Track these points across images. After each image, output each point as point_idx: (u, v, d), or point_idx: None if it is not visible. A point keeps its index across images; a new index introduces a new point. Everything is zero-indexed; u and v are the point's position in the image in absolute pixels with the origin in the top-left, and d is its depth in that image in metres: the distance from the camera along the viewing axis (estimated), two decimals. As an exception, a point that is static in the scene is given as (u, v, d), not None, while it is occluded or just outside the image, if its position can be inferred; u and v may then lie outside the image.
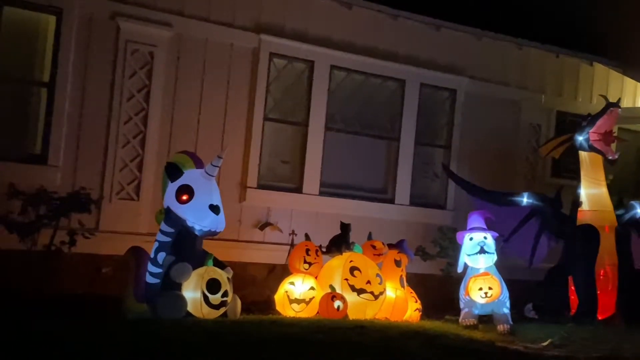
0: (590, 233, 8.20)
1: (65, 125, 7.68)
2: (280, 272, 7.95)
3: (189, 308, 6.30)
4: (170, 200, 6.45)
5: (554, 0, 10.68)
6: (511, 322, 7.33)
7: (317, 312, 7.08)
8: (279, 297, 7.20)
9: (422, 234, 9.11)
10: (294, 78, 8.99)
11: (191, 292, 6.32)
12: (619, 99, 8.84)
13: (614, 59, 10.95)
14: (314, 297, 7.10)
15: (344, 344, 5.61)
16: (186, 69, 8.27)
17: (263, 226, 8.54)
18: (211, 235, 6.55)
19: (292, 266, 7.33)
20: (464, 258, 7.60)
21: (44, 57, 7.78)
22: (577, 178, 8.57)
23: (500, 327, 7.17)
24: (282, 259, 8.15)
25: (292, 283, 7.17)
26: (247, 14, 8.62)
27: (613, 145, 8.50)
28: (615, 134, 8.61)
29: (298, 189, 8.87)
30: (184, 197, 6.39)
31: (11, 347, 4.65)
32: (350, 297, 7.06)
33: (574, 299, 8.20)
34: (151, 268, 6.35)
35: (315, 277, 7.25)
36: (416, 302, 7.61)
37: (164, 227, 6.43)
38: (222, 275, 6.47)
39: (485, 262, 7.54)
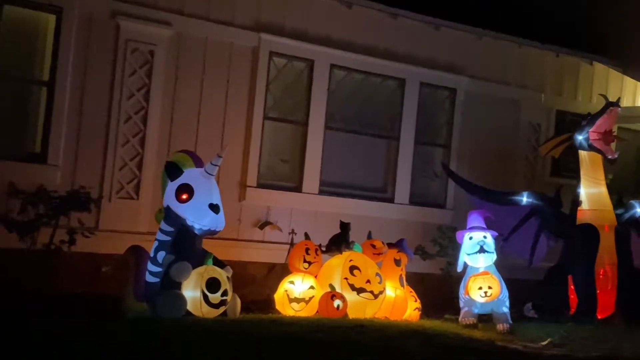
0: (590, 232, 8.20)
1: (65, 124, 7.67)
2: (280, 271, 7.96)
3: (189, 307, 6.30)
4: (170, 199, 6.45)
5: (554, -1, 10.71)
6: (511, 322, 7.33)
7: (317, 311, 7.08)
8: (278, 296, 7.21)
9: (421, 233, 9.12)
10: (293, 77, 8.99)
11: (191, 291, 6.32)
12: (619, 98, 8.85)
13: (613, 58, 10.95)
14: (313, 296, 7.10)
15: (344, 343, 5.62)
16: (186, 68, 8.27)
17: (263, 225, 8.55)
18: (211, 234, 6.55)
19: (291, 265, 7.33)
20: (464, 257, 7.60)
21: (43, 56, 7.78)
22: (576, 177, 8.57)
23: (500, 326, 7.17)
24: (281, 258, 8.15)
25: (291, 282, 7.17)
26: (247, 13, 8.61)
27: (613, 145, 8.52)
28: (614, 133, 8.62)
29: (298, 188, 8.87)
30: (184, 196, 6.39)
31: (11, 346, 4.64)
32: (350, 296, 7.07)
33: (573, 298, 8.20)
34: (151, 267, 6.35)
35: (315, 276, 7.25)
36: (416, 301, 7.61)
37: (163, 226, 6.43)
38: (222, 274, 6.47)
39: (485, 262, 7.54)
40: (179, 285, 6.32)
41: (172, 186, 6.46)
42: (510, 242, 8.33)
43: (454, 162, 9.71)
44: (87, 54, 7.79)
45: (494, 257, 7.58)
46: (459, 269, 7.69)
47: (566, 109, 10.63)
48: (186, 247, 6.43)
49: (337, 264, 7.26)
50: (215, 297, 6.35)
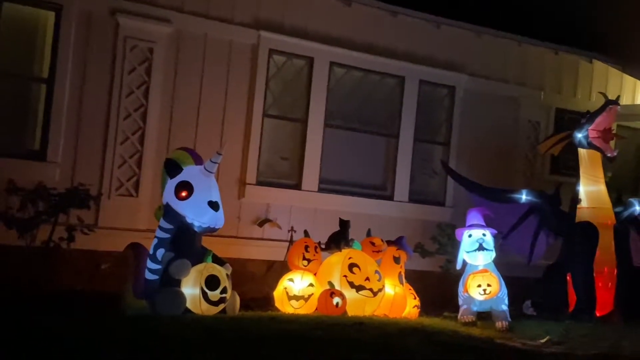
0: (589, 230, 8.20)
1: (64, 121, 7.67)
2: (279, 268, 7.96)
3: (188, 304, 6.30)
4: (169, 197, 6.45)
5: (553, -3, 10.70)
6: (510, 319, 7.34)
7: (316, 309, 7.08)
8: (277, 293, 7.21)
9: (421, 230, 9.12)
10: (293, 74, 8.99)
11: (190, 289, 6.32)
12: (618, 96, 8.85)
13: (613, 57, 10.95)
14: (312, 294, 7.11)
15: (343, 340, 5.62)
16: (185, 65, 8.26)
17: (262, 223, 8.55)
18: (210, 231, 6.55)
19: (291, 263, 7.33)
20: (463, 255, 7.61)
21: (43, 53, 7.78)
22: (575, 175, 8.57)
23: (499, 324, 7.18)
24: (281, 255, 8.15)
25: (291, 279, 7.17)
26: (247, 10, 8.61)
27: (612, 143, 8.52)
28: (614, 131, 8.62)
29: (297, 186, 8.88)
30: (183, 194, 6.39)
31: (10, 343, 4.64)
32: (349, 293, 7.07)
33: (572, 296, 8.21)
34: (150, 264, 6.35)
35: (314, 274, 7.26)
36: (415, 298, 7.61)
37: (163, 223, 6.43)
38: (221, 272, 6.47)
39: (484, 259, 7.55)
40: (178, 283, 6.32)
41: (171, 184, 6.46)
42: (510, 240, 8.33)
43: (453, 159, 9.71)
44: (86, 51, 7.79)
45: (493, 254, 7.59)
46: (458, 266, 7.70)
47: (565, 107, 10.63)
48: (185, 244, 6.43)
49: (336, 261, 7.27)
50: (214, 295, 6.35)
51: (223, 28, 8.44)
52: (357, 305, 7.09)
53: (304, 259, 7.21)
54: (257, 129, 8.61)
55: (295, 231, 8.40)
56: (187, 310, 6.30)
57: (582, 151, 8.44)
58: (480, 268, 7.51)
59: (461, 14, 9.88)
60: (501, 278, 7.51)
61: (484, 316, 7.51)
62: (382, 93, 9.51)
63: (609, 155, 8.32)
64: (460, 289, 7.59)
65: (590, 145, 8.32)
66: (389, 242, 7.61)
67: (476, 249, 7.51)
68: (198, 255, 6.51)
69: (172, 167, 6.50)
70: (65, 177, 7.59)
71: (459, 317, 7.42)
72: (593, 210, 8.31)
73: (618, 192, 8.75)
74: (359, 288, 7.11)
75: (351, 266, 7.17)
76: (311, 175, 8.90)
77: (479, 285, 7.37)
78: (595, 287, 8.10)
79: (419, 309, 7.60)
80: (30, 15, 7.77)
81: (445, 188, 9.72)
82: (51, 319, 5.47)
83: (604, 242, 8.16)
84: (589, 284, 8.10)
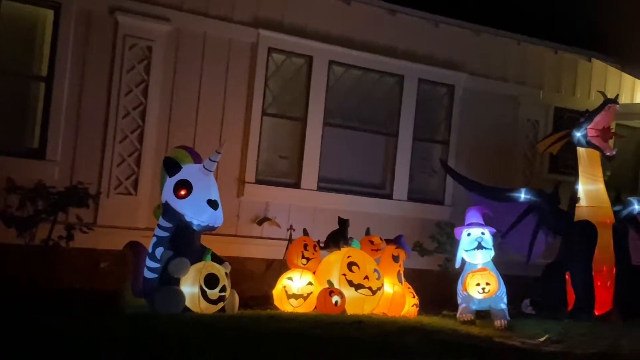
0: (588, 229, 8.21)
1: (63, 119, 7.67)
2: (278, 267, 7.96)
3: (187, 303, 6.31)
4: (168, 195, 6.45)
5: (552, -4, 10.71)
6: (508, 318, 7.35)
7: (315, 307, 7.08)
8: (277, 292, 7.21)
9: (420, 229, 9.12)
10: (292, 73, 8.99)
11: (189, 287, 6.32)
12: (617, 95, 8.84)
13: (612, 55, 10.95)
14: (311, 293, 7.11)
15: (342, 339, 5.63)
16: (184, 64, 8.26)
17: (261, 221, 8.55)
18: (209, 230, 6.55)
19: (290, 261, 7.33)
20: (462, 254, 7.61)
21: (42, 52, 7.77)
22: (574, 174, 8.58)
23: (498, 323, 7.19)
24: (280, 254, 8.16)
25: (290, 278, 7.17)
26: (246, 9, 8.60)
27: (611, 142, 8.53)
28: (613, 130, 8.62)
29: (296, 184, 8.88)
30: (182, 192, 6.39)
31: (9, 341, 4.64)
32: (348, 292, 7.07)
33: (571, 294, 8.21)
34: (149, 263, 6.35)
35: (313, 273, 7.26)
36: (414, 297, 7.62)
37: (162, 222, 6.43)
38: (220, 270, 6.47)
39: (483, 258, 7.55)
40: (177, 281, 6.32)
41: (170, 182, 6.46)
42: (508, 239, 8.34)
43: (452, 158, 9.71)
44: (85, 49, 7.78)
45: (492, 253, 7.59)
46: (457, 265, 7.70)
47: (564, 106, 10.63)
48: (184, 243, 6.43)
49: (335, 260, 7.27)
50: (213, 293, 6.35)
51: (222, 26, 8.44)
52: (356, 303, 7.10)
53: (303, 257, 7.22)
54: (256, 128, 8.61)
55: (294, 230, 8.40)
56: (186, 309, 6.30)
57: (581, 150, 8.45)
58: (479, 267, 7.52)
59: (460, 13, 9.88)
60: (500, 277, 7.52)
61: (483, 315, 7.52)
62: (381, 92, 9.51)
63: (607, 154, 8.32)
64: (459, 287, 7.59)
65: (589, 144, 8.33)
66: (388, 241, 7.61)
67: (475, 248, 7.52)
68: (197, 254, 6.51)
69: (171, 166, 6.50)
70: (64, 175, 7.59)
71: (457, 315, 7.43)
72: (592, 209, 8.31)
73: (617, 191, 8.76)
74: (358, 287, 7.11)
75: (350, 265, 7.17)
76: (310, 173, 8.89)
77: (478, 284, 7.37)
78: (594, 286, 8.10)
79: (417, 308, 7.60)
80: (29, 14, 7.76)
81: (444, 187, 9.72)
82: (50, 318, 5.47)
83: (602, 241, 8.17)
84: (587, 282, 8.10)
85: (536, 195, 8.49)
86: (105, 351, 4.63)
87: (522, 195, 8.46)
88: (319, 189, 8.94)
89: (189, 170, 6.49)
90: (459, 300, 7.60)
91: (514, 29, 10.30)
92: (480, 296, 7.39)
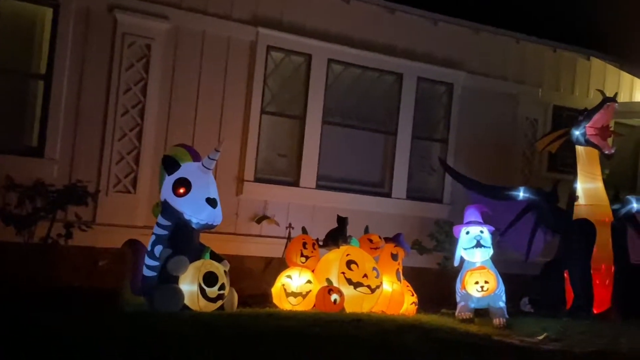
0: (587, 227, 8.21)
1: (62, 117, 7.66)
2: (277, 265, 7.96)
3: (186, 301, 6.31)
4: (167, 193, 6.45)
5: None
6: (507, 316, 7.36)
7: (314, 306, 7.09)
8: (275, 290, 7.21)
9: (418, 227, 9.12)
10: (291, 71, 8.98)
11: (188, 285, 6.32)
12: (616, 94, 8.84)
13: (610, 54, 10.96)
14: (310, 291, 7.11)
15: (341, 337, 5.63)
16: (183, 62, 8.25)
17: (260, 219, 8.55)
18: (208, 228, 6.56)
19: (289, 259, 7.33)
20: (461, 252, 7.61)
21: (40, 50, 7.76)
22: (573, 172, 8.58)
23: (496, 321, 7.19)
24: (279, 252, 8.16)
25: (289, 276, 7.18)
26: (245, 7, 8.59)
27: (609, 140, 8.53)
28: (611, 129, 8.63)
29: (295, 183, 8.87)
30: (181, 190, 6.39)
31: (8, 339, 4.64)
32: (347, 290, 7.08)
33: (570, 293, 8.22)
34: (148, 261, 6.36)
35: (312, 271, 7.26)
36: (412, 295, 7.62)
37: (161, 220, 6.43)
38: (219, 269, 6.47)
39: (482, 256, 7.56)
40: (176, 279, 6.32)
41: (169, 180, 6.46)
42: (507, 237, 8.34)
43: (451, 156, 9.72)
44: (84, 47, 7.77)
45: (491, 251, 7.60)
46: (456, 263, 7.70)
47: (563, 104, 10.64)
48: (183, 241, 6.43)
49: (334, 258, 7.27)
50: (212, 291, 6.35)
51: (221, 25, 8.43)
52: (354, 302, 7.10)
53: (302, 255, 7.22)
54: (255, 126, 8.60)
55: (293, 228, 8.41)
56: (185, 307, 6.30)
57: (579, 148, 8.45)
58: (478, 265, 7.52)
59: (459, 11, 9.88)
60: (499, 275, 7.52)
61: (482, 313, 7.52)
62: (380, 90, 9.51)
63: (606, 152, 8.33)
64: (458, 285, 7.60)
65: (588, 143, 8.33)
66: (387, 239, 7.61)
67: (474, 246, 7.52)
68: (196, 252, 6.51)
69: (170, 164, 6.50)
70: (63, 173, 7.58)
71: (456, 313, 7.44)
72: (590, 207, 8.32)
73: (615, 189, 8.77)
74: (356, 285, 7.12)
75: (349, 263, 7.17)
76: (309, 172, 8.89)
77: (477, 282, 7.38)
78: (592, 284, 8.11)
79: (416, 306, 7.61)
80: (28, 12, 7.75)
81: (443, 185, 9.72)
82: (49, 316, 5.47)
83: (601, 239, 8.17)
84: (586, 281, 8.11)
85: (535, 194, 8.49)
86: (104, 349, 4.62)
87: (521, 194, 8.46)
88: (318, 187, 8.94)
89: (188, 169, 6.49)
90: (458, 299, 7.60)
91: (513, 27, 10.30)
92: (479, 294, 7.40)
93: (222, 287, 6.41)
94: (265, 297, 7.34)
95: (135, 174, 7.96)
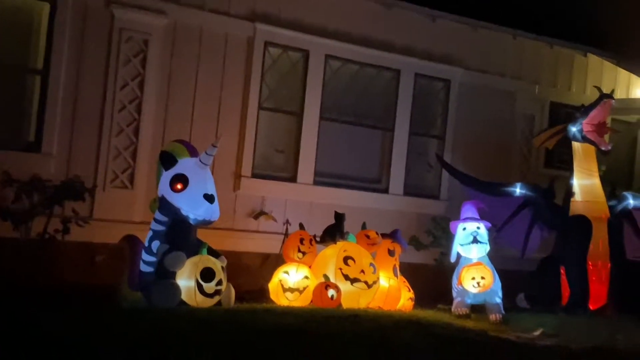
0: (583, 224, 8.23)
1: (59, 113, 7.65)
2: (275, 261, 7.96)
3: (183, 297, 6.31)
4: (164, 189, 6.45)
5: (549, -9, 10.70)
6: (503, 312, 7.37)
7: (311, 301, 7.09)
8: (272, 286, 7.22)
9: (415, 223, 9.14)
10: (289, 67, 8.98)
11: (185, 281, 6.32)
12: (613, 90, 8.87)
13: (607, 50, 10.96)
14: (307, 286, 7.12)
15: (338, 333, 5.63)
16: (181, 58, 8.24)
17: (257, 215, 8.55)
18: (205, 224, 6.55)
19: (286, 255, 7.34)
20: (457, 248, 7.63)
21: (38, 45, 7.74)
22: (570, 169, 8.60)
23: (493, 317, 7.21)
24: (276, 248, 8.16)
25: (286, 272, 7.18)
26: (243, 3, 8.59)
27: (606, 136, 8.53)
28: (608, 125, 8.64)
29: (292, 179, 8.88)
30: (179, 186, 6.38)
31: (4, 335, 4.64)
32: (344, 286, 7.09)
33: (566, 289, 8.24)
34: (145, 257, 6.35)
35: (309, 267, 7.27)
36: (409, 291, 7.64)
37: (158, 215, 6.43)
38: (216, 264, 6.47)
39: (478, 252, 7.57)
40: (173, 275, 6.32)
41: (166, 176, 6.45)
42: (504, 233, 8.36)
43: (448, 153, 9.72)
44: (81, 42, 7.76)
45: (487, 247, 7.61)
46: (453, 259, 7.71)
47: (560, 101, 10.65)
48: (181, 236, 6.42)
49: (331, 254, 7.28)
50: (209, 287, 6.35)
51: (219, 20, 8.42)
52: (351, 297, 7.11)
53: (299, 251, 7.23)
54: (252, 122, 8.60)
55: (290, 224, 8.40)
56: (182, 303, 6.30)
57: (576, 145, 8.46)
58: (474, 261, 7.53)
59: (457, 8, 9.87)
60: (495, 271, 7.54)
61: (478, 309, 7.53)
62: (377, 86, 9.51)
63: (603, 149, 8.34)
64: (455, 281, 7.61)
65: (585, 139, 8.35)
66: (384, 235, 7.62)
67: (470, 242, 7.53)
68: (193, 248, 6.50)
69: (167, 160, 6.50)
70: (60, 169, 7.58)
71: (452, 309, 7.45)
72: (587, 203, 8.34)
73: (612, 185, 8.78)
74: (353, 280, 7.12)
75: (346, 259, 7.18)
76: (306, 168, 8.90)
77: (473, 278, 7.39)
78: (588, 280, 8.13)
79: (413, 302, 7.62)
80: (25, 6, 7.74)
81: (440, 181, 9.73)
82: (46, 312, 5.47)
83: (597, 235, 8.19)
84: (582, 277, 8.14)
85: (531, 190, 8.50)
86: (101, 345, 4.62)
87: (518, 190, 8.47)
88: (315, 183, 8.95)
89: (185, 164, 6.48)
90: (454, 294, 7.62)
91: (510, 23, 10.30)
92: (475, 290, 7.41)
93: (219, 283, 6.41)
94: (263, 293, 7.34)
95: (132, 169, 7.96)
